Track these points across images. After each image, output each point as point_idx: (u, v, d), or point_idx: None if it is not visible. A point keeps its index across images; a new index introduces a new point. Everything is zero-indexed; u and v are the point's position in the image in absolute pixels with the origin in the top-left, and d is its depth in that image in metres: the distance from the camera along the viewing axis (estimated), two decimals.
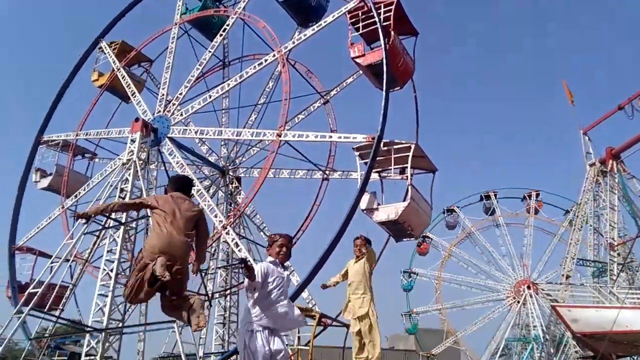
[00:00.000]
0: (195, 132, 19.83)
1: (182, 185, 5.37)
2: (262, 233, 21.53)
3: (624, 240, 23.25)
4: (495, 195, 44.99)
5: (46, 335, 20.51)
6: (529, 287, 39.74)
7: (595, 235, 24.45)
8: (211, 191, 22.40)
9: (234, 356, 17.75)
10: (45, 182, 23.15)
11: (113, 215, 16.67)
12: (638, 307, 17.01)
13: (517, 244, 44.40)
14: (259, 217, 22.14)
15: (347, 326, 15.46)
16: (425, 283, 45.66)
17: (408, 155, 13.68)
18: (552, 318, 24.72)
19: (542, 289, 19.63)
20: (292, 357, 15.46)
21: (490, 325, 44.26)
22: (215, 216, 17.46)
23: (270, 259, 5.07)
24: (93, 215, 5.62)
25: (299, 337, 13.56)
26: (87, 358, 14.42)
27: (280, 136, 16.13)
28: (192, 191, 5.81)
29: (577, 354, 22.85)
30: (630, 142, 23.45)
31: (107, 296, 15.23)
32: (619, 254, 22.67)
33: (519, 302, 40.72)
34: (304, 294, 16.98)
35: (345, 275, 7.21)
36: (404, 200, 13.66)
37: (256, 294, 4.80)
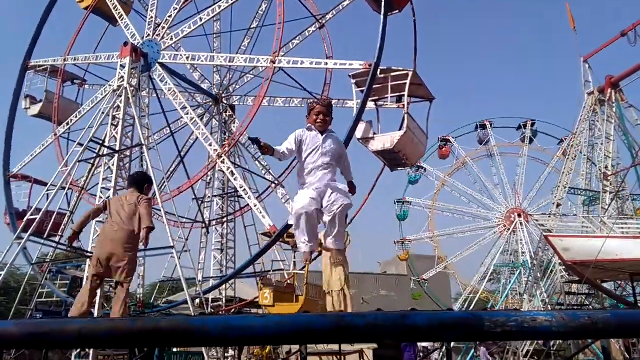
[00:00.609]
0: (187, 58, 19.19)
1: (133, 181, 6.29)
2: (257, 162, 21.48)
3: (617, 170, 23.42)
4: (491, 125, 44.72)
5: (47, 260, 21.01)
6: (519, 215, 40.58)
7: (588, 164, 24.57)
8: (205, 120, 22.06)
9: (232, 280, 18.34)
10: (35, 109, 22.77)
11: (106, 143, 16.52)
12: (627, 236, 17.41)
13: (511, 173, 44.83)
14: (254, 146, 21.98)
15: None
16: (419, 212, 46.43)
17: (405, 83, 13.32)
18: (540, 245, 25.36)
19: (537, 221, 19.90)
20: (289, 281, 15.97)
21: (481, 252, 45.65)
22: (210, 145, 17.30)
23: (307, 125, 4.85)
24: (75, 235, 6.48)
25: (294, 263, 13.96)
26: None
27: (274, 62, 15.62)
28: (149, 184, 6.41)
29: (562, 279, 23.70)
30: (631, 70, 23.04)
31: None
32: (611, 184, 22.92)
33: (509, 229, 41.77)
34: None
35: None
36: (400, 129, 13.47)
37: (298, 165, 4.87)
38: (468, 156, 45.26)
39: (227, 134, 21.46)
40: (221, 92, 22.47)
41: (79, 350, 13.62)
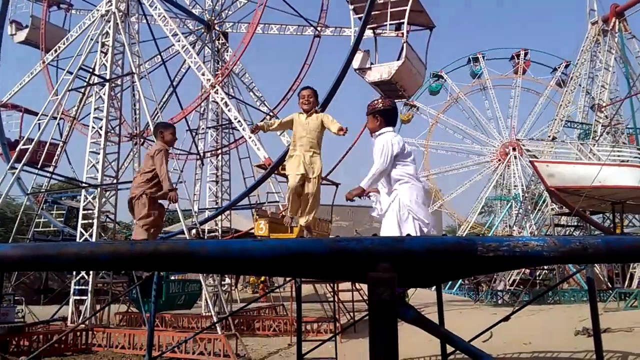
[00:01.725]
0: None
1: (154, 130, 6.68)
2: (251, 93, 21.11)
3: (612, 102, 23.28)
4: (483, 57, 43.63)
5: (42, 190, 21.13)
6: (514, 149, 40.68)
7: (587, 97, 24.36)
8: (197, 48, 21.39)
9: (227, 211, 18.58)
10: (22, 35, 22.05)
11: (96, 71, 16.13)
12: (611, 164, 17.45)
13: (504, 106, 44.50)
14: (248, 76, 21.51)
15: (337, 184, 16.06)
16: (414, 151, 46.39)
17: (405, 9, 12.82)
18: (533, 178, 25.71)
19: (524, 146, 19.89)
20: (283, 213, 16.20)
21: (475, 188, 46.26)
22: (203, 74, 16.91)
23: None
24: None
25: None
26: (85, 212, 14.97)
27: None
28: (163, 129, 6.30)
29: (552, 212, 24.19)
30: None
31: (98, 153, 15.33)
32: (606, 116, 22.86)
33: (503, 163, 42.05)
34: None
35: (284, 125, 5.97)
36: (398, 59, 13.14)
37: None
38: (461, 92, 44.61)
39: (220, 63, 20.90)
40: (213, 18, 21.61)
41: (77, 278, 14.02)
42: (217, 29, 21.53)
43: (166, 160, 6.01)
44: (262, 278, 31.77)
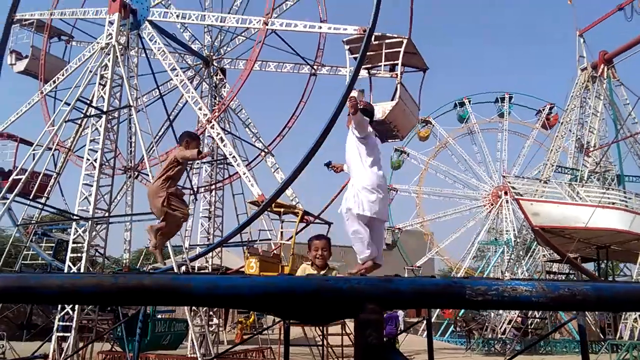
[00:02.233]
0: (177, 16, 18.69)
1: (181, 136, 6.54)
2: (247, 129, 21.28)
3: (600, 146, 23.62)
4: (469, 102, 44.36)
5: (33, 222, 20.87)
6: (506, 193, 40.85)
7: (576, 143, 24.73)
8: (195, 83, 21.71)
9: (218, 248, 18.38)
10: (21, 65, 22.25)
11: (94, 103, 16.25)
12: (598, 205, 17.49)
13: (493, 149, 45.02)
14: (244, 112, 21.76)
15: (329, 223, 15.98)
16: (407, 198, 46.51)
17: (399, 51, 13.12)
18: (524, 223, 25.71)
19: (510, 183, 19.93)
20: (275, 251, 16.08)
21: (469, 233, 46.07)
22: (200, 109, 17.07)
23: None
24: None
25: (281, 233, 13.98)
26: (75, 245, 14.75)
27: (267, 24, 15.28)
28: (190, 138, 6.35)
29: (544, 258, 24.13)
30: (625, 46, 22.97)
31: (92, 186, 15.25)
32: (595, 161, 23.14)
33: (495, 207, 42.15)
34: (288, 192, 17.26)
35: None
36: (392, 99, 13.35)
37: None
38: (450, 136, 45.17)
39: (217, 99, 21.16)
40: (212, 54, 22.04)
41: (62, 314, 13.65)
42: (216, 64, 21.92)
43: (184, 168, 6.26)
44: (251, 319, 31.17)
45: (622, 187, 23.69)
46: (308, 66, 20.04)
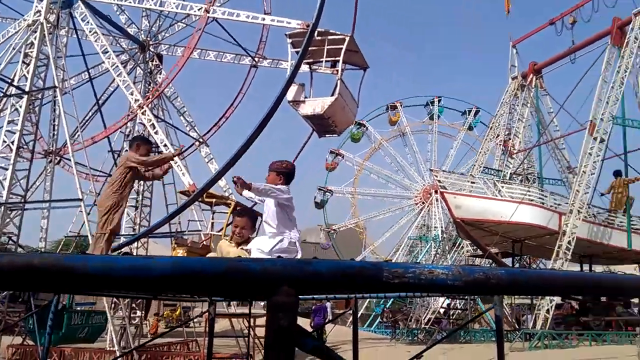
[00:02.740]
0: None
1: (132, 141, 6.81)
2: (182, 117, 20.65)
3: (524, 148, 25.08)
4: (401, 105, 45.94)
5: None
6: (436, 192, 42.48)
7: (503, 146, 26.06)
8: (128, 67, 20.76)
9: (144, 239, 17.68)
10: None
11: (16, 82, 15.16)
12: (515, 200, 18.59)
13: (424, 150, 46.86)
14: (179, 100, 21.09)
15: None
16: (341, 198, 47.32)
17: (341, 48, 13.16)
18: (451, 220, 26.79)
19: (436, 177, 20.72)
20: (205, 242, 15.69)
21: (393, 220, 47.83)
22: (132, 94, 16.35)
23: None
24: None
25: (212, 224, 13.65)
26: None
27: (208, 12, 14.86)
28: (140, 142, 6.53)
29: (468, 253, 25.28)
30: (553, 58, 24.47)
31: (7, 169, 14.22)
32: (518, 164, 24.55)
33: (425, 205, 43.77)
34: (222, 183, 16.92)
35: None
36: (332, 95, 13.38)
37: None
38: (383, 139, 46.44)
39: (151, 85, 20.35)
40: (149, 39, 21.15)
41: None
42: (152, 50, 21.06)
43: (133, 179, 6.12)
44: (178, 311, 30.37)
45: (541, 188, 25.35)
46: (249, 57, 19.71)
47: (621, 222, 20.03)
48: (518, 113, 24.87)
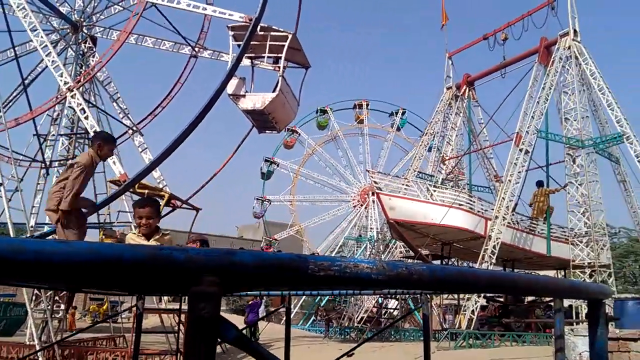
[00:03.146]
0: None
1: (93, 137, 6.29)
2: (115, 104, 19.75)
3: (455, 155, 26.20)
4: (367, 105, 46.74)
5: None
6: (373, 194, 43.40)
7: (437, 153, 27.09)
8: (59, 48, 19.61)
9: None
10: None
11: None
12: (446, 204, 19.48)
13: (375, 154, 47.82)
14: (113, 86, 20.16)
15: (198, 209, 15.48)
16: (284, 176, 47.21)
17: (284, 45, 13.16)
18: (385, 222, 27.48)
19: (372, 177, 21.29)
20: None
21: (334, 224, 48.22)
22: (61, 76, 15.45)
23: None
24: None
25: None
26: None
27: None
28: (101, 141, 5.74)
29: (400, 254, 26.00)
30: (485, 72, 25.76)
31: None
32: (446, 167, 25.63)
33: (363, 205, 44.57)
34: (155, 174, 16.37)
35: None
36: (273, 91, 13.33)
37: None
38: (316, 144, 46.90)
39: (83, 68, 19.32)
40: (82, 19, 20.06)
41: None
42: (85, 31, 19.99)
43: (89, 177, 5.48)
44: (105, 306, 29.14)
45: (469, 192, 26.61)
46: (189, 47, 19.18)
47: (542, 229, 21.37)
48: (451, 122, 25.94)
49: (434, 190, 20.33)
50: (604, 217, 20.15)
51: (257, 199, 44.57)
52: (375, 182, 20.45)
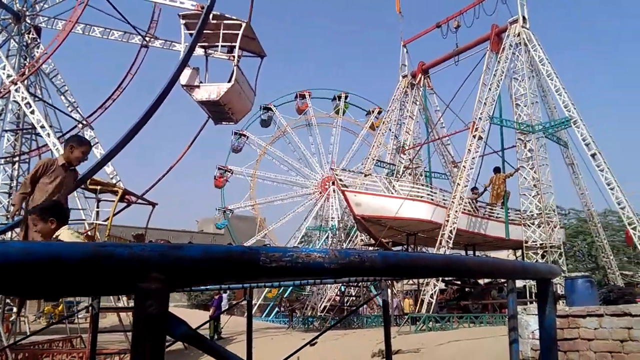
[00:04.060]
0: None
1: (66, 141, 6.21)
2: (63, 97, 18.97)
3: (414, 145, 26.64)
4: (310, 95, 46.75)
5: None
6: (333, 183, 43.63)
7: (395, 141, 27.45)
8: (1, 39, 18.64)
9: (18, 228, 16.10)
10: None
11: None
12: (409, 198, 19.96)
13: (326, 143, 47.93)
14: (60, 78, 19.33)
15: (154, 204, 15.12)
16: (241, 180, 46.92)
17: (238, 34, 12.91)
18: (346, 210, 27.75)
19: (337, 175, 21.58)
20: (89, 232, 14.68)
21: (299, 219, 48.29)
22: (4, 68, 14.72)
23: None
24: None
25: (97, 212, 12.80)
26: None
27: None
28: (73, 143, 5.69)
29: (361, 242, 26.29)
30: (439, 60, 26.17)
31: None
32: (408, 159, 26.01)
33: (323, 196, 44.76)
34: (108, 169, 15.87)
35: None
36: (228, 82, 13.09)
37: None
38: (288, 125, 46.82)
39: (27, 60, 18.44)
40: (25, 9, 19.10)
41: None
42: (29, 21, 19.06)
43: (55, 176, 5.33)
44: (60, 307, 28.20)
45: (429, 182, 27.16)
46: (139, 37, 18.57)
47: (498, 214, 22.08)
48: (408, 111, 26.29)
49: (397, 184, 20.75)
50: (554, 199, 20.99)
51: (219, 209, 44.39)
52: (340, 180, 20.66)
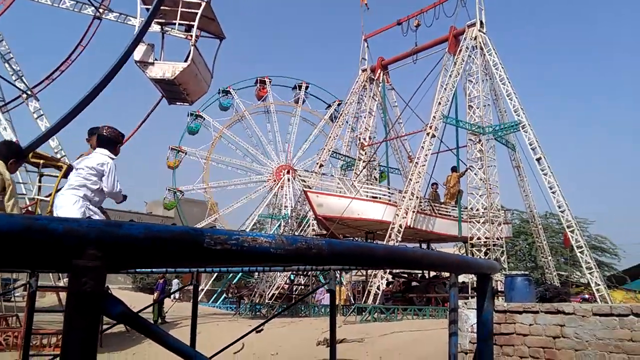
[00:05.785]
0: None
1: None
2: (7, 64, 17.90)
3: (372, 142, 26.97)
4: (270, 82, 46.40)
5: None
6: (288, 172, 43.58)
7: (351, 133, 27.67)
8: None
9: None
10: None
11: None
12: (369, 199, 20.53)
13: (284, 131, 47.77)
14: (5, 45, 18.21)
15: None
16: (194, 162, 46.08)
17: (196, 13, 12.55)
18: (299, 199, 27.80)
19: (300, 176, 21.96)
20: (30, 208, 14.04)
21: (252, 205, 47.96)
22: None
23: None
24: None
25: (39, 187, 12.23)
26: None
27: None
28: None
29: (313, 232, 26.46)
30: (398, 57, 26.54)
31: None
32: (365, 154, 26.29)
33: (278, 184, 44.58)
34: (52, 143, 15.18)
35: None
36: (185, 61, 12.73)
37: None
38: (247, 110, 46.30)
39: None
40: None
41: None
42: None
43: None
44: None
45: (386, 177, 27.67)
46: (92, 8, 17.75)
47: (446, 212, 22.77)
48: (367, 105, 26.55)
49: (359, 186, 21.25)
50: (499, 199, 21.82)
51: (170, 189, 43.41)
52: (303, 181, 20.94)
